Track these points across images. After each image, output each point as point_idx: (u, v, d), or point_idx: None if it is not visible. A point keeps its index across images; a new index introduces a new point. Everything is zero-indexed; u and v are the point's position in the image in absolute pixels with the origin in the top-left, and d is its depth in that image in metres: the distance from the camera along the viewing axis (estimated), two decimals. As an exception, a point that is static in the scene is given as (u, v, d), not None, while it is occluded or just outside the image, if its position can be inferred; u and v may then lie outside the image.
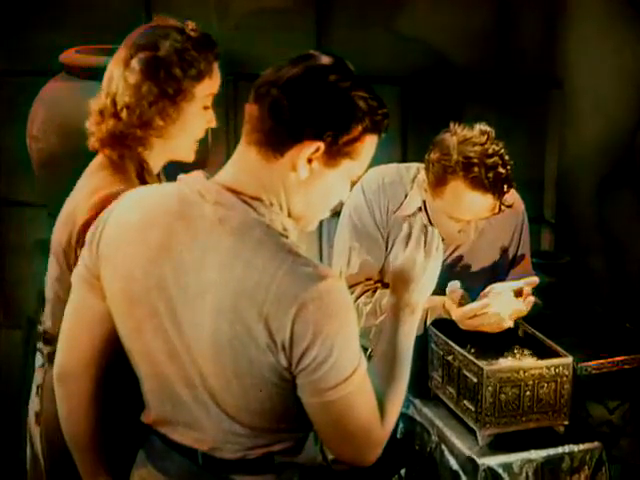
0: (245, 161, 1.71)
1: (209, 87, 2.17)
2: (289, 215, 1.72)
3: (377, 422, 1.71)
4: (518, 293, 2.64)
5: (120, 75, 2.10)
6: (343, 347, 1.63)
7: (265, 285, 1.60)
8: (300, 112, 1.66)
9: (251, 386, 1.67)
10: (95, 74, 3.13)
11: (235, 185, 1.69)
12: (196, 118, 2.18)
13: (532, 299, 2.63)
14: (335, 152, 1.68)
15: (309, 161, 1.67)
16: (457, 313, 2.64)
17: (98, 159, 2.18)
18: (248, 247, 1.63)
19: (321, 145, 1.66)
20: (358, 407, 1.67)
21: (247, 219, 1.66)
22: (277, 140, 1.67)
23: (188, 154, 2.24)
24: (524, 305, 2.63)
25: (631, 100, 3.40)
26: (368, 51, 3.59)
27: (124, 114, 2.10)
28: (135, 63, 2.09)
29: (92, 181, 2.15)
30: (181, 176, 1.78)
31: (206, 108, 2.19)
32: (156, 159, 2.21)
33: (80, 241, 1.97)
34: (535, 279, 2.67)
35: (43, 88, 3.22)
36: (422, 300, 1.87)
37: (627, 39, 3.33)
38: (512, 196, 2.71)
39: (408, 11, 3.73)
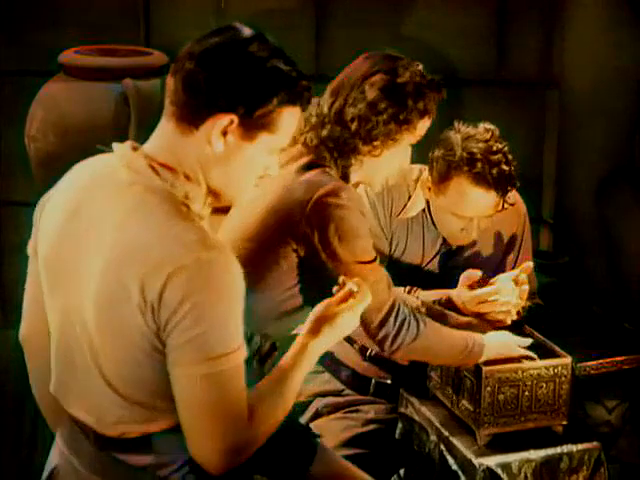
0: (164, 135, 1.69)
1: (425, 126, 2.27)
2: (209, 190, 1.70)
3: (243, 419, 1.65)
4: (515, 282, 2.64)
5: (356, 88, 2.20)
6: (214, 324, 1.58)
7: (150, 246, 1.59)
8: (213, 84, 1.62)
9: (124, 349, 1.64)
10: (94, 74, 3.17)
11: (151, 154, 1.68)
12: (405, 151, 2.28)
13: (527, 287, 2.62)
14: (251, 125, 1.65)
15: (224, 134, 1.64)
16: (468, 295, 2.62)
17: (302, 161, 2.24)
18: (144, 210, 1.62)
19: (234, 117, 1.63)
20: (223, 394, 1.61)
21: (151, 184, 1.65)
22: (191, 113, 1.64)
23: (380, 183, 2.34)
24: (520, 294, 2.62)
25: (629, 100, 3.40)
26: (368, 51, 3.59)
27: (354, 124, 2.19)
28: (375, 81, 2.19)
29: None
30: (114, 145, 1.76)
31: (411, 145, 2.28)
32: (354, 176, 2.28)
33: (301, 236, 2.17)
34: (530, 264, 2.66)
35: (42, 88, 3.23)
36: (331, 345, 1.88)
37: (625, 39, 3.34)
38: (514, 197, 2.72)
39: (407, 11, 3.73)
